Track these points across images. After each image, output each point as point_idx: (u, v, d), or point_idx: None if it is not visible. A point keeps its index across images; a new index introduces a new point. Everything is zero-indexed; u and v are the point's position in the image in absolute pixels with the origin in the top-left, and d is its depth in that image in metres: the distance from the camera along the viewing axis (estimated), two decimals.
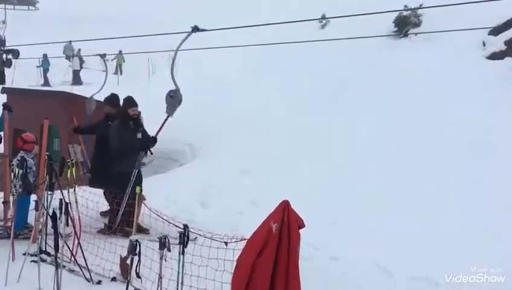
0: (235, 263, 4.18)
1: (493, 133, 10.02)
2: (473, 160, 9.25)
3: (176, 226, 4.85)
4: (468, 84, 11.94)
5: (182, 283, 4.50)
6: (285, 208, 4.20)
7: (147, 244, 5.08)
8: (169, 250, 4.56)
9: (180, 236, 4.51)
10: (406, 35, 14.97)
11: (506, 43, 13.02)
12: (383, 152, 10.48)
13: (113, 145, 7.24)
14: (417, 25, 15.36)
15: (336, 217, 8.42)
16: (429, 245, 7.02)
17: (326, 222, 8.15)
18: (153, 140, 7.30)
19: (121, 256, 5.39)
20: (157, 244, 4.51)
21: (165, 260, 4.55)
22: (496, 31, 13.46)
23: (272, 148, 11.86)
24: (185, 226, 4.58)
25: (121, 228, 6.87)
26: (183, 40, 6.87)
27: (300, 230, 4.27)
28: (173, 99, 6.65)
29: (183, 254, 4.50)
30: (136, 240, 4.47)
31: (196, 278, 4.66)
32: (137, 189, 5.38)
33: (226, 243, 4.65)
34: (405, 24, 15.38)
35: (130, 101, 7.47)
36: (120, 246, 5.51)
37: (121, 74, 26.11)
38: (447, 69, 12.83)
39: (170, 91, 6.68)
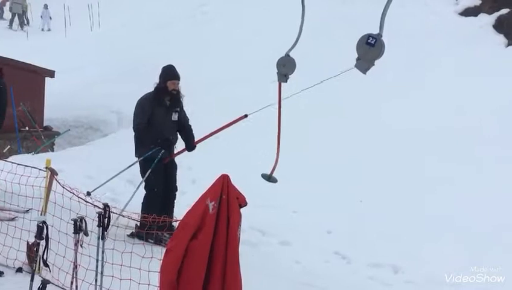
0: (165, 248, 4.13)
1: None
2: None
3: (95, 206, 4.74)
4: (439, 41, 12.34)
5: (101, 272, 4.42)
6: (224, 184, 4.16)
7: (59, 227, 4.95)
8: (86, 234, 4.46)
9: (99, 217, 4.41)
10: None
11: None
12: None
13: (133, 123, 6.74)
14: None
15: (292, 201, 8.54)
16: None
17: (276, 205, 8.28)
18: (190, 148, 6.95)
19: (28, 243, 5.24)
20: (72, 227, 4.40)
21: (81, 246, 4.45)
22: None
23: (212, 118, 11.76)
24: (105, 206, 4.48)
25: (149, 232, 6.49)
26: None
27: (242, 210, 4.27)
28: (373, 49, 5.01)
29: (102, 238, 4.41)
30: (43, 222, 4.34)
31: (119, 266, 4.58)
32: (47, 161, 5.20)
33: None
34: None
35: (170, 72, 6.81)
36: (27, 231, 5.35)
37: (27, 23, 25.32)
38: (418, 25, 13.12)
39: (369, 36, 5.05)
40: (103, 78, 14.94)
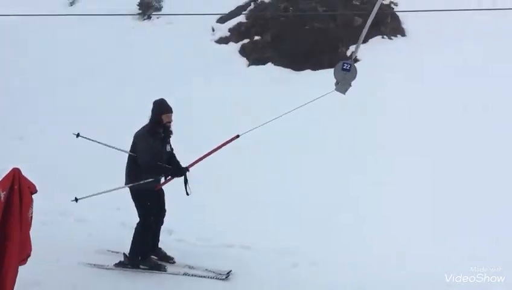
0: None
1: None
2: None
3: None
4: (201, 63, 12.94)
5: None
6: (15, 176, 4.04)
7: None
8: None
9: None
10: (149, 17, 15.32)
11: (230, 30, 14.32)
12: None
13: (142, 158, 5.61)
14: (158, 9, 15.79)
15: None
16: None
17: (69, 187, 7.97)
18: (183, 171, 5.77)
19: None
20: None
21: None
22: (222, 19, 14.65)
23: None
24: None
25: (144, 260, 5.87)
26: None
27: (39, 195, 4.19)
28: (349, 73, 4.76)
29: None
30: None
31: None
32: None
33: None
34: (148, 7, 15.65)
35: (165, 106, 5.77)
36: None
37: None
38: (184, 50, 13.57)
39: (344, 63, 4.84)
40: None
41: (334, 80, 4.93)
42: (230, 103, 11.22)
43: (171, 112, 5.78)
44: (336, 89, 4.95)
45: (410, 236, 6.44)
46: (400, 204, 7.23)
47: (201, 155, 5.72)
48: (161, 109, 5.74)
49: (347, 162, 8.71)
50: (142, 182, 5.66)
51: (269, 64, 13.23)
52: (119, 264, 5.88)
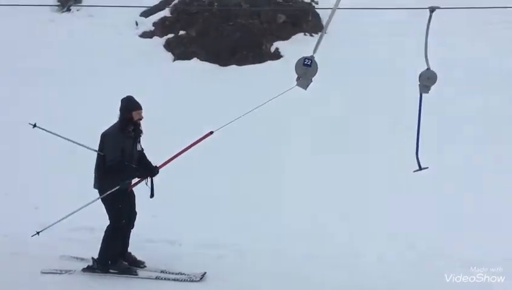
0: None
1: None
2: None
3: None
4: (124, 58, 12.38)
5: None
6: None
7: None
8: None
9: None
10: (68, 9, 14.39)
11: (154, 24, 13.87)
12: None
13: (109, 156, 5.18)
14: (79, 1, 14.92)
15: None
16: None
17: None
18: (155, 171, 5.42)
19: None
20: None
21: None
22: (146, 13, 14.15)
23: None
24: None
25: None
26: None
27: None
28: (310, 68, 4.62)
29: None
30: None
31: None
32: None
33: None
34: None
35: (134, 102, 5.36)
36: None
37: None
38: (106, 44, 12.91)
39: (305, 58, 4.64)
40: None
41: (296, 75, 4.85)
42: (159, 98, 10.83)
43: (141, 108, 5.43)
44: (297, 84, 4.86)
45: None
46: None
47: (173, 155, 5.40)
48: (131, 106, 5.39)
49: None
50: (110, 191, 5.31)
51: (195, 60, 12.97)
52: (88, 269, 5.50)
